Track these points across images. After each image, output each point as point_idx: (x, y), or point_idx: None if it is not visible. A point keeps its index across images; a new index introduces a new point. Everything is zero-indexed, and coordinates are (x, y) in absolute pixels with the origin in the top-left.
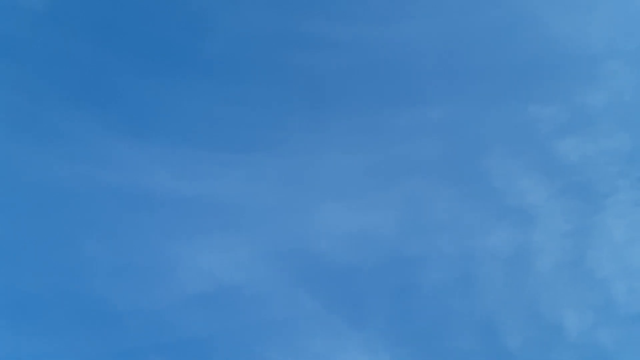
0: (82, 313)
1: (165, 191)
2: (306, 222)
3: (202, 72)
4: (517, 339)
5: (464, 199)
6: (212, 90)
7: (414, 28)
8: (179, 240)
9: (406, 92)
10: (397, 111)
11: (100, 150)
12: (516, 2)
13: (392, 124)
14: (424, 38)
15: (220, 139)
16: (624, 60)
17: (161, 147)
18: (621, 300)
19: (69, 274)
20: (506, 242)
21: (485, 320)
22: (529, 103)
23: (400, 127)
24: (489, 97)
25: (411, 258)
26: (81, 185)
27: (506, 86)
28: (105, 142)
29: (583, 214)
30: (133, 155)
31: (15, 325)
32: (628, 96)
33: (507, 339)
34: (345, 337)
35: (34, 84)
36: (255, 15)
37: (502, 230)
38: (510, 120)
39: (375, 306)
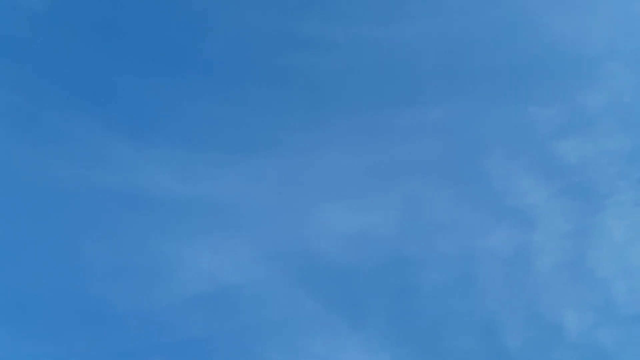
0: (81, 314)
1: (164, 192)
2: (306, 222)
3: (202, 73)
4: (517, 339)
5: (464, 199)
6: (212, 91)
7: (414, 28)
8: (178, 240)
9: (406, 92)
10: (396, 111)
11: (100, 150)
12: (516, 3)
13: (392, 124)
14: (423, 38)
15: (220, 140)
16: (623, 61)
17: (161, 148)
18: (621, 301)
19: (69, 274)
20: (506, 243)
21: (485, 321)
22: (529, 104)
23: (400, 128)
24: (489, 97)
25: (411, 258)
26: (80, 185)
27: (506, 87)
28: (105, 143)
29: (583, 215)
30: (132, 155)
31: (14, 326)
32: (628, 97)
33: (507, 339)
34: (345, 337)
35: (34, 85)
36: (255, 16)
37: (502, 231)
38: (510, 121)
39: (375, 306)
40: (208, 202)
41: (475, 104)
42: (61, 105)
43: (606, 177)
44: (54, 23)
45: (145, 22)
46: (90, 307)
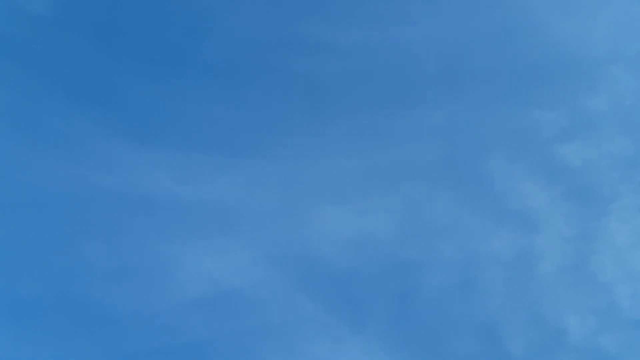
0: (82, 316)
1: (165, 194)
2: (307, 225)
3: (203, 76)
4: (520, 344)
5: (466, 202)
6: (213, 93)
7: (415, 31)
8: (179, 243)
9: (407, 95)
10: (398, 114)
11: (101, 152)
12: (518, 6)
13: (394, 127)
14: (425, 41)
15: (221, 142)
16: (626, 64)
17: (161, 150)
18: (624, 305)
19: (69, 276)
20: (508, 246)
21: (487, 325)
22: (531, 107)
23: (402, 131)
24: (491, 100)
25: (412, 262)
26: (81, 188)
27: (508, 90)
28: (105, 145)
29: (585, 219)
30: (133, 157)
31: (14, 327)
32: (630, 100)
33: (510, 344)
34: (346, 340)
35: (35, 86)
36: (256, 19)
37: (504, 234)
38: (512, 124)
39: (376, 310)
40: (209, 204)
41: (477, 106)
42: (62, 107)
43: (609, 180)
44: (54, 25)
45: (146, 25)
46: (91, 309)
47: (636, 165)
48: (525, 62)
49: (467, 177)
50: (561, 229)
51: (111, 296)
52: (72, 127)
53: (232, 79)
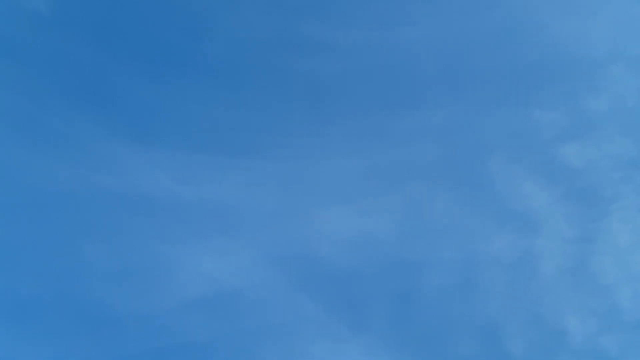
0: (82, 316)
1: (165, 194)
2: (307, 226)
3: (203, 76)
4: (520, 345)
5: (466, 203)
6: (213, 93)
7: (415, 32)
8: (179, 243)
9: (407, 95)
10: (398, 115)
11: (101, 153)
12: (518, 6)
13: (394, 127)
14: (425, 42)
15: (221, 143)
16: (626, 65)
17: (162, 150)
18: (625, 306)
19: (69, 276)
20: (509, 247)
21: (488, 326)
22: (532, 107)
23: (402, 131)
24: (491, 101)
25: (412, 262)
26: (81, 188)
27: (509, 90)
28: (106, 145)
29: (586, 219)
30: (133, 157)
31: (14, 328)
32: (631, 101)
33: (510, 345)
34: (346, 341)
35: (36, 86)
36: (256, 19)
37: (505, 235)
38: (513, 125)
39: (377, 310)
40: (209, 205)
41: (477, 107)
42: (63, 107)
43: (610, 181)
44: (55, 25)
45: (147, 25)
46: (91, 310)
47: (637, 165)
48: (525, 62)
49: (467, 178)
50: (562, 229)
51: (111, 296)
52: (72, 127)
53: (232, 79)
